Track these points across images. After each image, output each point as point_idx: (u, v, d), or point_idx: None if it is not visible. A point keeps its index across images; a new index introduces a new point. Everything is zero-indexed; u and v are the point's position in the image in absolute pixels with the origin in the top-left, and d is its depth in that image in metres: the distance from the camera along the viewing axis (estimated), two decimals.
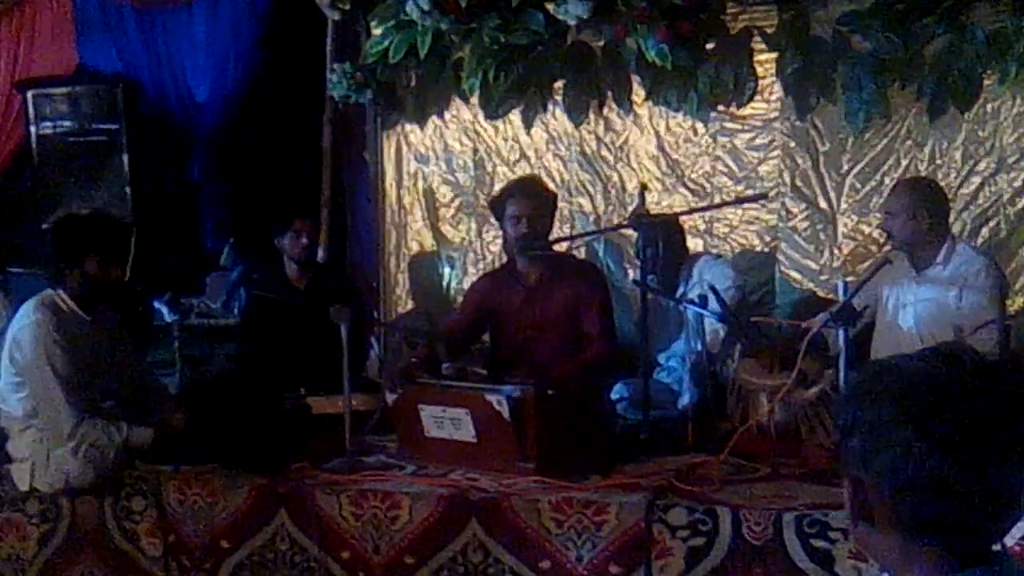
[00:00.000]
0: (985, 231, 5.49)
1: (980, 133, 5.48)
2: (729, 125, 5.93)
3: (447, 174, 6.49)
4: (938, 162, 5.56)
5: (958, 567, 1.45)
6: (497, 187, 6.20)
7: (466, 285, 6.00)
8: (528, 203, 4.67)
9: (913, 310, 4.51)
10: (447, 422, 4.05)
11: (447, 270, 6.54)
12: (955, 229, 5.14)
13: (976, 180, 5.50)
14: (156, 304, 6.83)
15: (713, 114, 5.91)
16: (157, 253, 6.79)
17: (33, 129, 7.47)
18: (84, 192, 7.37)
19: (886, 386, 1.45)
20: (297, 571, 3.91)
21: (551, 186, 5.35)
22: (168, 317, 6.70)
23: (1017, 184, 5.34)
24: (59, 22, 7.47)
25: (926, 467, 1.39)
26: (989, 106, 5.45)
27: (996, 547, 1.49)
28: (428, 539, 3.75)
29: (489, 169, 6.40)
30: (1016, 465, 1.43)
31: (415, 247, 6.62)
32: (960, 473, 1.39)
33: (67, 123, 7.46)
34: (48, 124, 7.48)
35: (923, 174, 5.49)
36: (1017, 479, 1.44)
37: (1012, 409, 1.42)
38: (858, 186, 5.72)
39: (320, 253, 6.15)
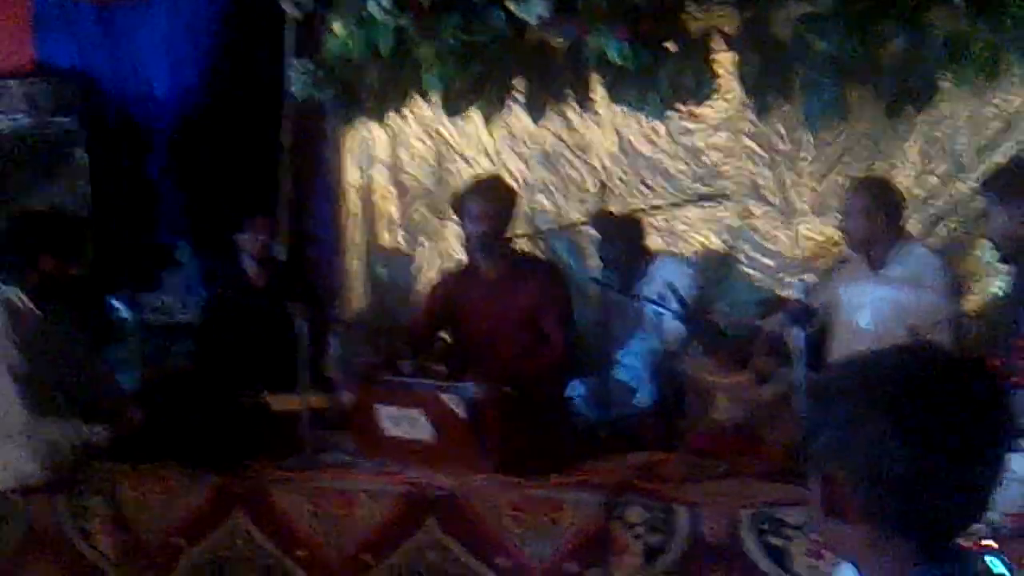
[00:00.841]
0: (941, 231, 5.53)
1: (936, 134, 5.53)
2: (689, 125, 5.94)
3: (407, 172, 6.48)
4: (895, 163, 5.60)
5: (925, 561, 1.46)
6: (458, 185, 6.21)
7: (427, 283, 5.99)
8: (487, 202, 4.67)
9: (869, 309, 4.55)
10: (404, 421, 4.04)
11: (408, 268, 6.52)
12: (911, 229, 5.18)
13: (932, 181, 5.55)
14: (114, 301, 6.77)
15: (673, 114, 5.92)
16: (115, 250, 6.74)
17: None
18: (41, 189, 7.29)
19: (859, 382, 1.47)
20: (254, 569, 3.89)
21: (512, 185, 5.35)
22: (126, 314, 6.64)
23: (972, 185, 5.39)
24: (16, 18, 7.39)
25: (900, 461, 1.41)
26: (946, 108, 5.49)
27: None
28: (386, 537, 3.74)
29: (450, 167, 6.38)
30: (987, 460, 1.45)
31: (375, 245, 6.60)
32: (934, 468, 1.41)
33: (24, 119, 7.38)
34: (4, 120, 7.39)
35: (880, 174, 5.53)
36: (988, 474, 1.46)
37: (984, 404, 1.44)
38: (816, 186, 5.75)
39: (280, 251, 6.12)
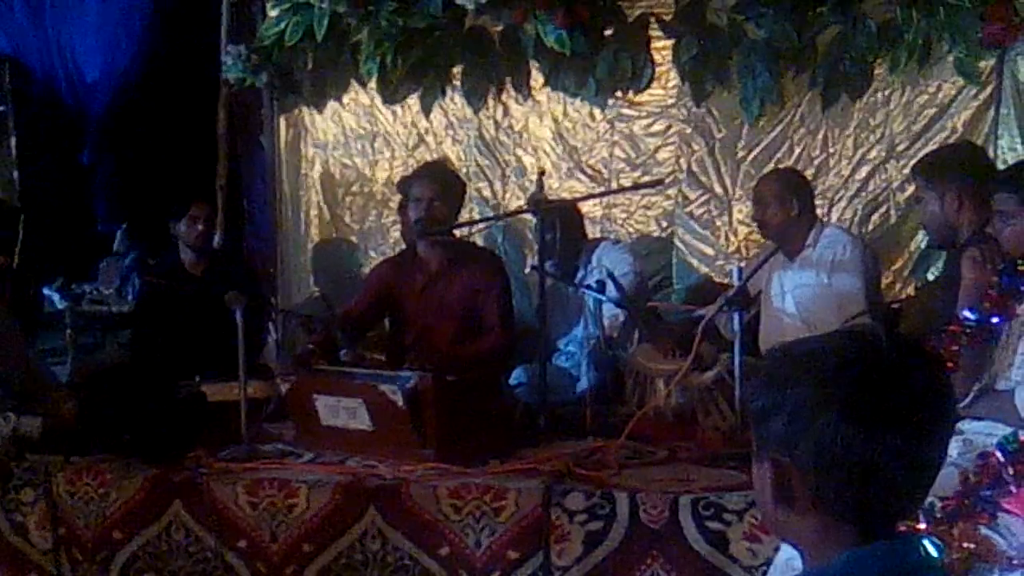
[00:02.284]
0: (875, 218, 5.60)
1: (871, 121, 5.59)
2: (626, 111, 5.97)
3: (345, 159, 6.44)
4: (830, 149, 5.66)
5: (869, 539, 1.48)
6: (395, 172, 6.20)
7: (366, 270, 5.96)
8: (430, 186, 4.66)
9: (792, 296, 4.60)
10: (342, 411, 4.02)
11: (346, 255, 6.48)
12: (846, 216, 5.26)
13: (866, 168, 5.61)
14: (47, 291, 6.69)
15: (610, 100, 5.94)
16: (47, 238, 6.66)
17: None
18: None
19: (807, 369, 1.47)
20: (193, 561, 3.85)
21: (459, 171, 5.34)
22: (59, 304, 6.57)
23: (906, 172, 5.44)
24: None
25: (852, 450, 1.42)
26: (880, 94, 5.56)
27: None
28: (326, 527, 3.72)
29: (387, 154, 6.36)
30: (935, 444, 1.47)
31: (313, 232, 6.56)
32: (885, 454, 1.42)
33: None
34: None
35: (815, 161, 5.60)
36: (935, 458, 1.49)
37: (931, 388, 1.46)
38: (753, 172, 5.78)
39: (216, 239, 6.06)
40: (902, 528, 1.55)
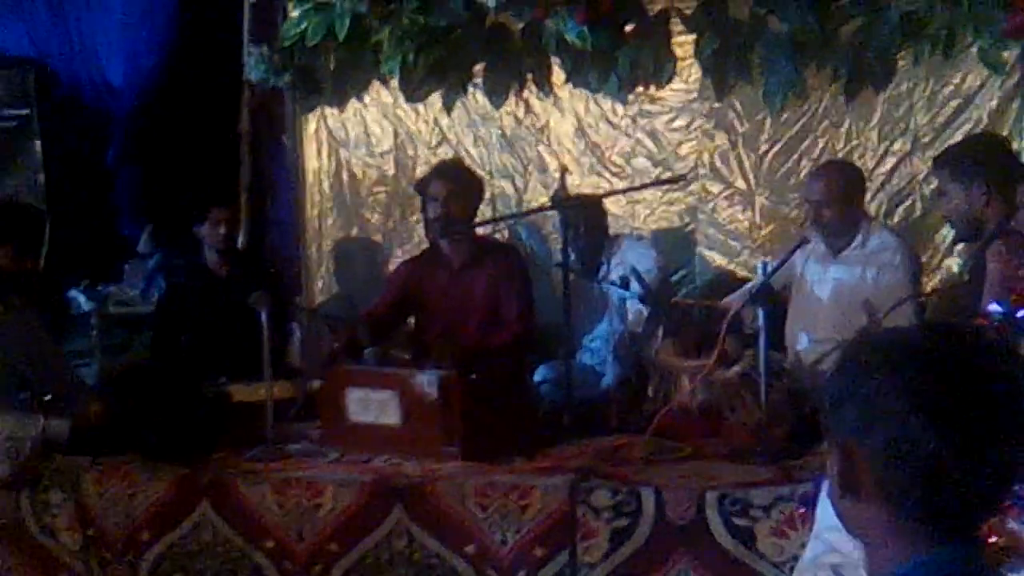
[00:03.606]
0: (900, 211, 5.57)
1: (895, 113, 5.56)
2: (648, 107, 5.95)
3: (368, 158, 6.44)
4: (854, 142, 5.63)
5: (937, 544, 1.44)
6: (418, 171, 6.20)
7: (390, 269, 5.98)
8: (447, 186, 4.67)
9: (830, 286, 4.58)
10: (373, 405, 4.03)
11: (370, 255, 6.49)
12: (871, 209, 5.22)
13: (891, 160, 5.58)
14: (73, 293, 6.73)
15: (632, 96, 5.93)
16: (73, 241, 6.68)
17: None
18: None
19: (883, 358, 1.44)
20: (220, 562, 3.87)
21: (475, 170, 5.34)
22: (85, 306, 6.60)
23: (931, 164, 5.42)
24: None
25: (921, 444, 1.38)
26: (904, 86, 5.53)
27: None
28: (352, 526, 3.73)
29: (410, 153, 6.36)
30: (1011, 448, 1.42)
31: (337, 232, 6.57)
32: (954, 453, 1.38)
33: None
34: None
35: (840, 154, 5.56)
36: (1011, 462, 1.43)
37: (1012, 389, 1.41)
38: (776, 166, 5.77)
39: (240, 239, 6.08)
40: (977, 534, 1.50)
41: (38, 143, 7.25)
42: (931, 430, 1.38)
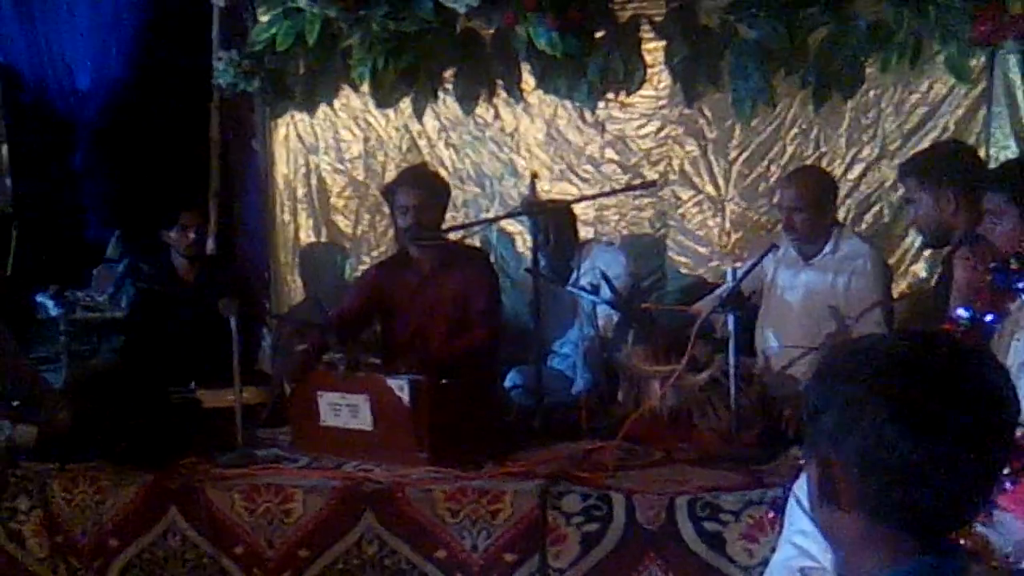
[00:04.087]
0: (868, 217, 5.61)
1: (863, 120, 5.60)
2: (618, 113, 5.97)
3: (337, 163, 6.44)
4: (823, 149, 5.67)
5: (915, 552, 1.44)
6: (388, 176, 6.19)
7: (356, 275, 5.97)
8: (415, 193, 4.66)
9: (802, 294, 4.60)
10: (344, 409, 4.03)
11: (339, 260, 6.48)
12: (840, 215, 5.25)
13: (859, 167, 5.63)
14: (40, 298, 6.68)
15: (602, 102, 5.95)
16: (40, 246, 6.64)
17: None
18: None
19: (859, 365, 1.44)
20: (189, 568, 3.85)
21: (442, 174, 5.34)
22: (53, 311, 6.56)
23: (897, 171, 5.46)
24: None
25: (896, 451, 1.38)
26: (871, 93, 5.57)
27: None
28: (322, 532, 3.72)
29: (380, 158, 6.36)
30: (989, 451, 1.42)
31: (306, 237, 6.55)
32: (933, 457, 1.38)
33: None
34: None
35: (808, 161, 5.59)
36: (989, 467, 1.44)
37: (988, 395, 1.41)
38: (745, 172, 5.81)
39: (209, 244, 6.05)
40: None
41: (5, 148, 7.21)
42: (908, 438, 1.38)
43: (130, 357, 5.45)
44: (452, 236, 4.94)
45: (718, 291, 4.62)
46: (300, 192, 6.51)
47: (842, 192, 5.49)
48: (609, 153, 6.01)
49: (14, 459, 4.06)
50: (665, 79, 5.85)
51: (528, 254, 4.98)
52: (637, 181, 5.82)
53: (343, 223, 6.48)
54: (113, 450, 4.03)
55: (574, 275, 5.11)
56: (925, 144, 5.29)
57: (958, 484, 1.41)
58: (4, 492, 4.03)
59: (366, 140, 6.36)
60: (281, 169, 6.52)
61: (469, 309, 4.68)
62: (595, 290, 4.43)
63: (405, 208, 4.63)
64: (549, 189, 5.93)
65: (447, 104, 6.17)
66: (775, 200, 4.94)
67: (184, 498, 3.86)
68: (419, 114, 6.21)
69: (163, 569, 3.87)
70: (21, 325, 5.52)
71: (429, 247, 4.70)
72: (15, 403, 4.26)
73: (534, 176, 4.65)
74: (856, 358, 1.46)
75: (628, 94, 5.91)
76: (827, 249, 4.55)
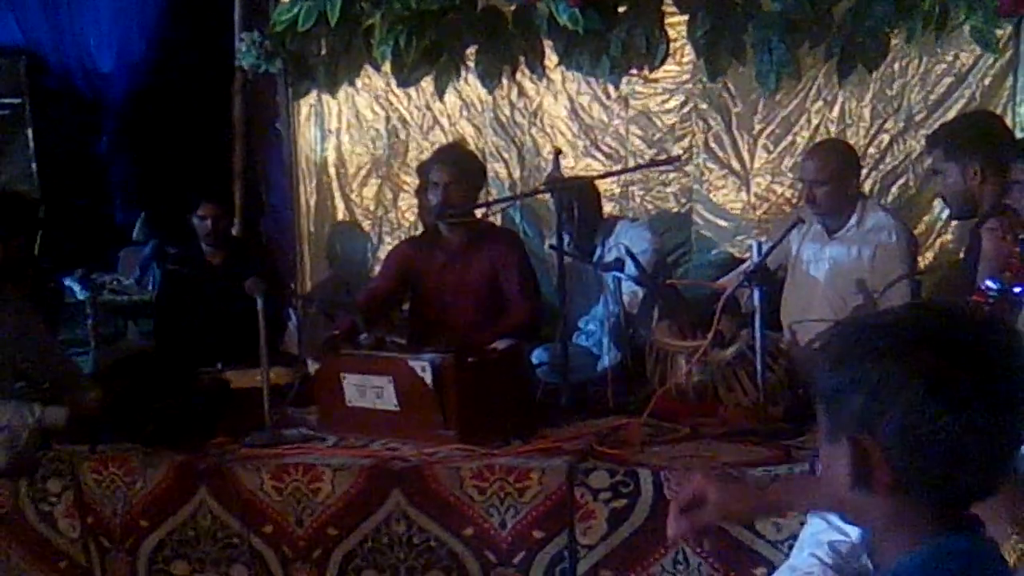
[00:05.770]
0: (894, 189, 5.58)
1: (888, 92, 5.56)
2: (641, 88, 5.95)
3: (360, 143, 6.44)
4: (848, 121, 5.63)
5: (947, 527, 1.43)
6: (410, 155, 6.21)
7: (382, 254, 5.97)
8: (447, 171, 4.67)
9: (827, 268, 4.59)
10: (369, 391, 4.03)
11: (361, 239, 6.49)
12: (865, 187, 5.22)
13: (885, 138, 5.59)
14: (68, 281, 6.71)
15: (625, 77, 5.92)
16: (67, 229, 6.68)
17: None
18: None
19: (888, 342, 1.40)
20: (219, 547, 3.87)
21: (476, 153, 5.33)
22: (80, 294, 6.58)
23: (924, 142, 5.42)
24: None
25: (939, 427, 1.35)
26: (896, 65, 5.53)
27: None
28: (351, 511, 3.73)
29: (402, 137, 6.36)
30: (1020, 420, 1.40)
31: (330, 217, 6.56)
32: (972, 432, 1.36)
33: None
34: None
35: (833, 134, 5.56)
36: (1020, 436, 1.42)
37: (1014, 361, 1.39)
38: (770, 146, 5.78)
39: (235, 226, 6.07)
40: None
41: (30, 132, 7.24)
42: (947, 411, 1.36)
43: (158, 339, 5.48)
44: (477, 213, 4.94)
45: (744, 266, 4.61)
46: (323, 173, 6.52)
47: (868, 164, 5.46)
48: (633, 129, 5.99)
49: (45, 441, 4.09)
50: (688, 53, 5.81)
51: (552, 231, 4.97)
52: (661, 156, 5.80)
53: (366, 202, 6.48)
54: (143, 431, 4.05)
55: (599, 252, 5.10)
56: (951, 115, 5.26)
57: (993, 454, 1.40)
58: (35, 474, 4.06)
59: (388, 119, 6.36)
60: (304, 149, 6.53)
61: (500, 288, 4.68)
62: (620, 266, 4.42)
63: (436, 185, 4.64)
64: (573, 166, 5.92)
65: (469, 82, 6.16)
66: (798, 174, 4.92)
67: (213, 478, 3.88)
68: (441, 93, 6.20)
69: (193, 549, 3.90)
70: (49, 308, 5.55)
71: (458, 225, 4.70)
72: (45, 385, 4.29)
73: (558, 153, 4.63)
74: (881, 334, 1.42)
75: (651, 69, 5.88)
76: (852, 222, 4.53)
